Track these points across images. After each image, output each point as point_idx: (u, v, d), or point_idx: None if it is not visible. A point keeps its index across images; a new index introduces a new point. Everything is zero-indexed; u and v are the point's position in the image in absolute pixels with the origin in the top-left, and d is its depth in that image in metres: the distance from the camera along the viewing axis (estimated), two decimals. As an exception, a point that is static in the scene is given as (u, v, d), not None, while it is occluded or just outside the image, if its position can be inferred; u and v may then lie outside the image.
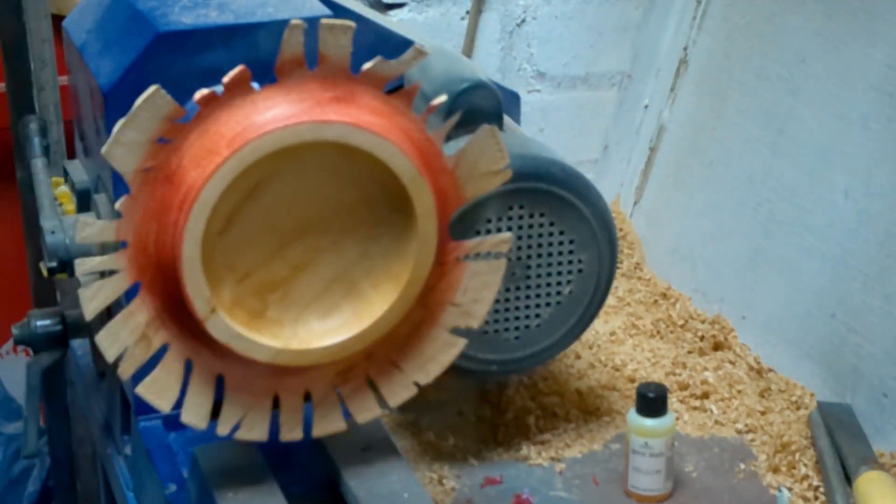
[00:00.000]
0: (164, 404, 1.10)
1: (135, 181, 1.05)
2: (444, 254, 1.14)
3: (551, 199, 1.45)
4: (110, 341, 1.07)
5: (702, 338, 1.79)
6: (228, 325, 1.07)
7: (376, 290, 1.12)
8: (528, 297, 1.49)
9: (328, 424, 1.17)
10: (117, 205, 1.05)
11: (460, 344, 1.17)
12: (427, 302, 1.15)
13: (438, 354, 1.17)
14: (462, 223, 1.40)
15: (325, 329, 1.12)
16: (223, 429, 1.13)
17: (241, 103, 1.05)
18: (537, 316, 1.50)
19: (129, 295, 1.08)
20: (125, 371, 1.09)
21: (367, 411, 1.17)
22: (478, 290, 1.16)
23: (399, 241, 1.12)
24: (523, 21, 2.15)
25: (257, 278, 1.10)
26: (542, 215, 1.46)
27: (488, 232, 1.43)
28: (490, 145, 1.12)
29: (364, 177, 1.09)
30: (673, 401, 1.65)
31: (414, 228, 1.10)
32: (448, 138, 1.13)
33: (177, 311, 1.08)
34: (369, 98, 1.08)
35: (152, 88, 1.03)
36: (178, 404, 1.11)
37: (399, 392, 1.17)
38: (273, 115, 1.05)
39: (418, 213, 1.09)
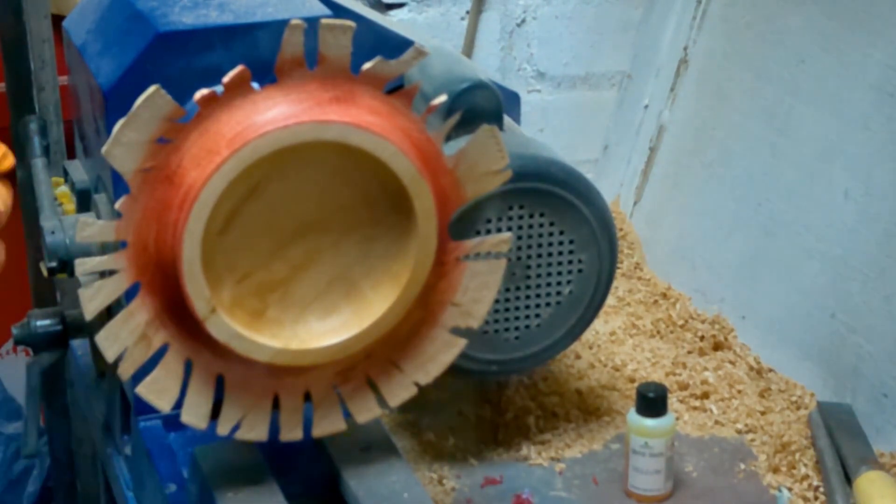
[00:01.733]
0: (164, 404, 1.10)
1: (135, 181, 1.05)
2: (444, 254, 1.13)
3: (551, 199, 1.45)
4: (110, 341, 1.07)
5: (702, 338, 1.79)
6: (228, 325, 1.07)
7: (376, 290, 1.12)
8: (528, 297, 1.49)
9: (328, 424, 1.17)
10: (117, 205, 1.05)
11: (460, 344, 1.17)
12: (427, 302, 1.14)
13: (438, 354, 1.17)
14: (462, 223, 1.40)
15: (325, 329, 1.12)
16: (223, 429, 1.13)
17: (241, 103, 1.05)
18: (537, 316, 1.50)
19: (129, 295, 1.08)
20: (125, 371, 1.09)
21: (367, 411, 1.17)
22: (478, 290, 1.16)
23: (399, 241, 1.11)
24: (523, 21, 2.15)
25: (257, 278, 1.10)
26: (542, 215, 1.46)
27: (488, 232, 1.43)
28: (490, 145, 1.12)
29: (364, 177, 1.09)
30: (673, 401, 1.65)
31: (414, 228, 1.10)
32: (448, 138, 1.13)
33: (177, 311, 1.08)
34: (369, 98, 1.08)
35: (152, 88, 1.03)
36: (178, 404, 1.11)
37: (399, 392, 1.17)
38: (273, 115, 1.05)
39: (418, 213, 1.09)
